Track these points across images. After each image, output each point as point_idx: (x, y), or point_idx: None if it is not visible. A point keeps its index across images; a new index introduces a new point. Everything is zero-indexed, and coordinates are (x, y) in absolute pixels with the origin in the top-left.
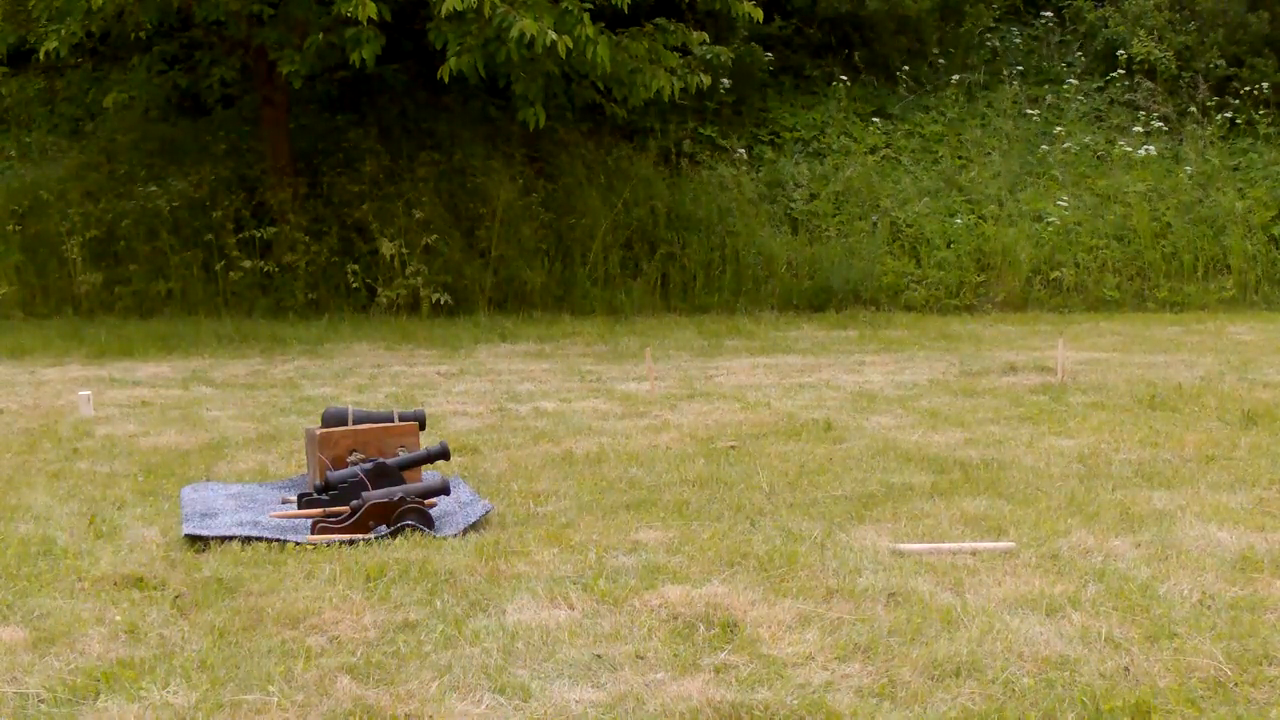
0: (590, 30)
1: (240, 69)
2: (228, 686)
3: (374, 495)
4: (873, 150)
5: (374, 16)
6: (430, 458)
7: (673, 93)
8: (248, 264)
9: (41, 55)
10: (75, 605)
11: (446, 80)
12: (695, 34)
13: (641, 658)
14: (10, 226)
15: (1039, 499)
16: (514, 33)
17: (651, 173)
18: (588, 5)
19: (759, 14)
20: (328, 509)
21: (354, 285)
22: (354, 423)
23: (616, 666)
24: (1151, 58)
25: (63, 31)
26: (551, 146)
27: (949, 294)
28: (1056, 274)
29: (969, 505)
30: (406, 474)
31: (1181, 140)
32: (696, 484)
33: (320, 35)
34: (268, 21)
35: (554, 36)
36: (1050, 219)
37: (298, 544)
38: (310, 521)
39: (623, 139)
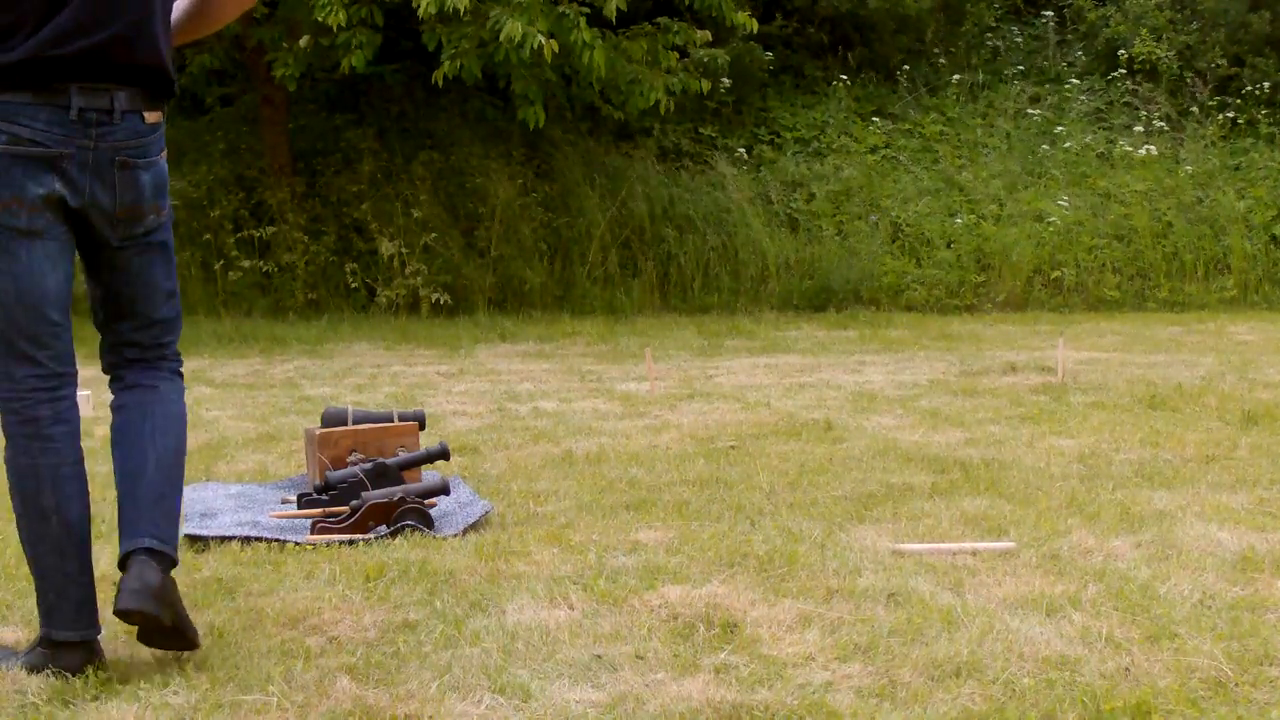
0: (586, 35)
1: (238, 67)
2: (228, 686)
3: (374, 495)
4: (873, 150)
5: (343, 24)
6: (430, 458)
7: (669, 105)
8: (246, 264)
9: None
10: None
11: (439, 84)
12: (699, 33)
13: (641, 658)
14: None
15: (1039, 499)
16: (503, 36)
17: (650, 172)
18: (584, 10)
19: (754, 25)
20: (328, 509)
21: (353, 285)
22: (354, 423)
23: (616, 666)
24: (1153, 57)
25: None
26: (550, 146)
27: (949, 294)
28: (1057, 274)
29: (969, 505)
30: (406, 474)
31: (1182, 140)
32: (696, 484)
33: (309, 38)
34: (262, 20)
35: (543, 40)
36: (1050, 219)
37: (297, 544)
38: (310, 521)
39: (622, 138)
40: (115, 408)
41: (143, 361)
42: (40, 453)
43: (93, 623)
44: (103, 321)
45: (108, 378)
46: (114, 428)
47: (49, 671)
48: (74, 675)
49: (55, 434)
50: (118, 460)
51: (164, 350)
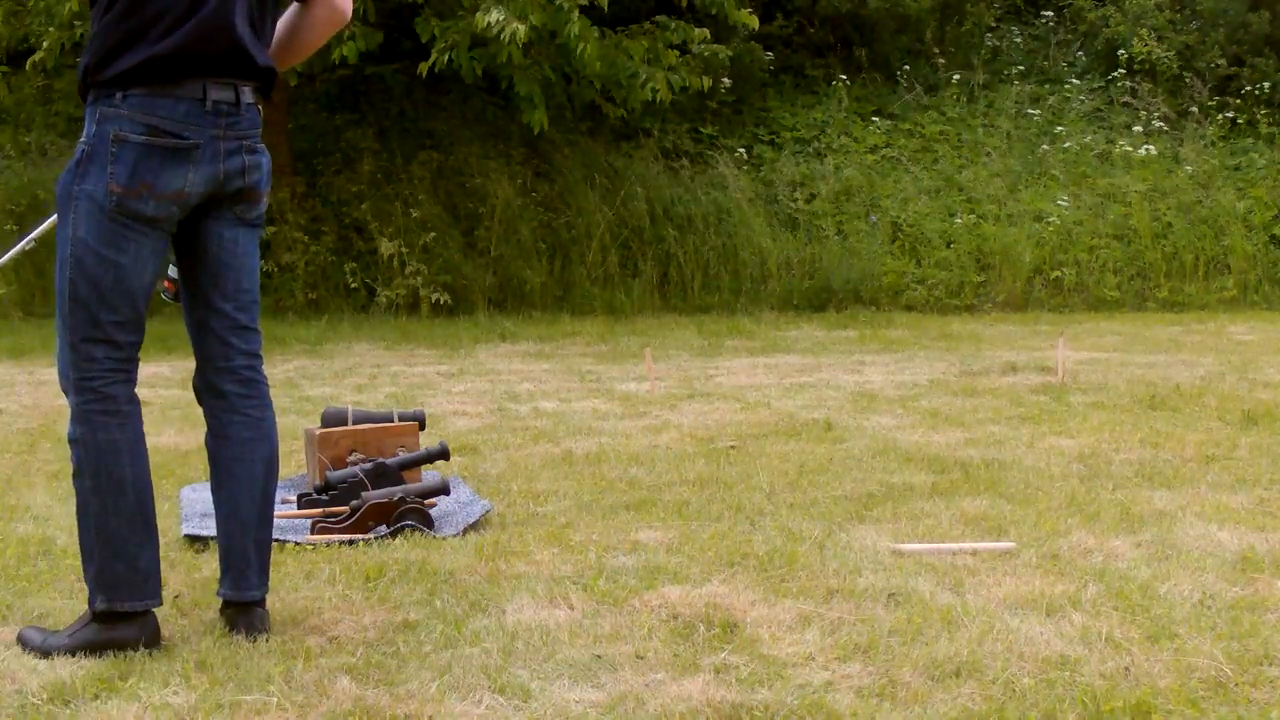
0: (575, 27)
1: None
2: (227, 686)
3: (374, 495)
4: (873, 150)
5: None
6: (430, 458)
7: (668, 100)
8: None
9: (29, 66)
10: (75, 605)
11: (424, 75)
12: (697, 31)
13: (641, 658)
14: (9, 226)
15: (1039, 499)
16: (479, 23)
17: (650, 172)
18: (582, 1)
19: (754, 22)
20: (328, 509)
21: (353, 285)
22: (354, 423)
23: (616, 666)
24: (1152, 57)
25: (47, 42)
26: (550, 146)
27: (949, 294)
28: (1057, 274)
29: (969, 505)
30: (406, 474)
31: (1182, 140)
32: (696, 484)
33: None
34: None
35: (517, 26)
36: (1050, 219)
37: (297, 544)
38: (310, 521)
39: (622, 138)
40: (220, 437)
41: (237, 375)
42: (119, 428)
43: (157, 592)
44: (202, 316)
45: (206, 391)
46: (220, 460)
47: (108, 650)
48: (130, 649)
49: (129, 411)
50: (225, 502)
51: (256, 362)
